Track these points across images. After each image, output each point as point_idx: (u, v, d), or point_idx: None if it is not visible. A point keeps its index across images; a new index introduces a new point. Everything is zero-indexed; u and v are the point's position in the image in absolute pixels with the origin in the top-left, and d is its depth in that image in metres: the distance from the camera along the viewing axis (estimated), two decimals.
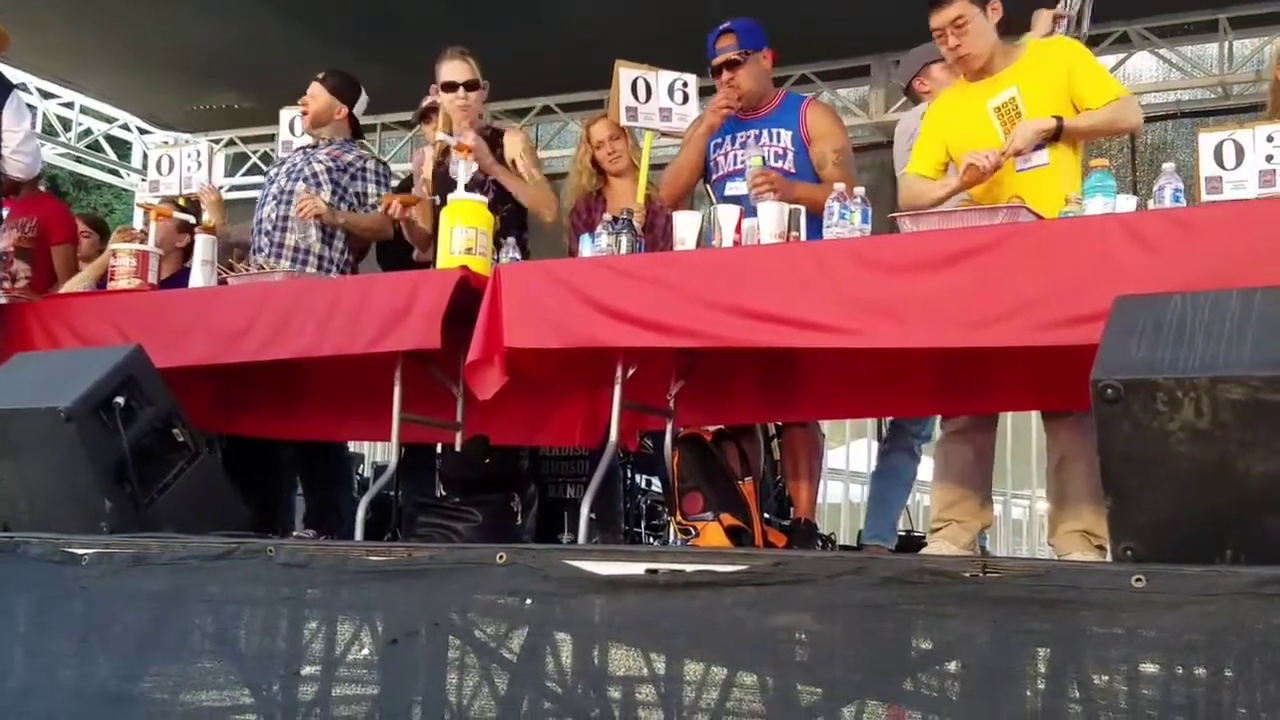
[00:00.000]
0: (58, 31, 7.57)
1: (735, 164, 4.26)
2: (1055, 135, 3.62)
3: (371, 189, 4.84)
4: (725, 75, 4.25)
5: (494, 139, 4.69)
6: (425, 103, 5.20)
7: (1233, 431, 2.37)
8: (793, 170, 4.20)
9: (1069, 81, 3.67)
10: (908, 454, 4.50)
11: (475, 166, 4.29)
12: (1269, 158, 3.09)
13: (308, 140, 5.00)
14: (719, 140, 4.33)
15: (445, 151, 4.63)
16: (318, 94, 4.90)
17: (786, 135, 4.25)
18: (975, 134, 3.75)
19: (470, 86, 4.61)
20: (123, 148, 9.69)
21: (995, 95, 3.75)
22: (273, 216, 4.77)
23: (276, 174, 4.93)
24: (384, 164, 5.04)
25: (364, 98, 5.01)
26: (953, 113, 3.88)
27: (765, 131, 4.27)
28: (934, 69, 4.59)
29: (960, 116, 3.84)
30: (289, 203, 4.73)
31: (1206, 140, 3.18)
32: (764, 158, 4.10)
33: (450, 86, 4.60)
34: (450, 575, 2.89)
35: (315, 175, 4.77)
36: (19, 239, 5.11)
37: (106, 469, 3.60)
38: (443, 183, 4.52)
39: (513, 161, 4.57)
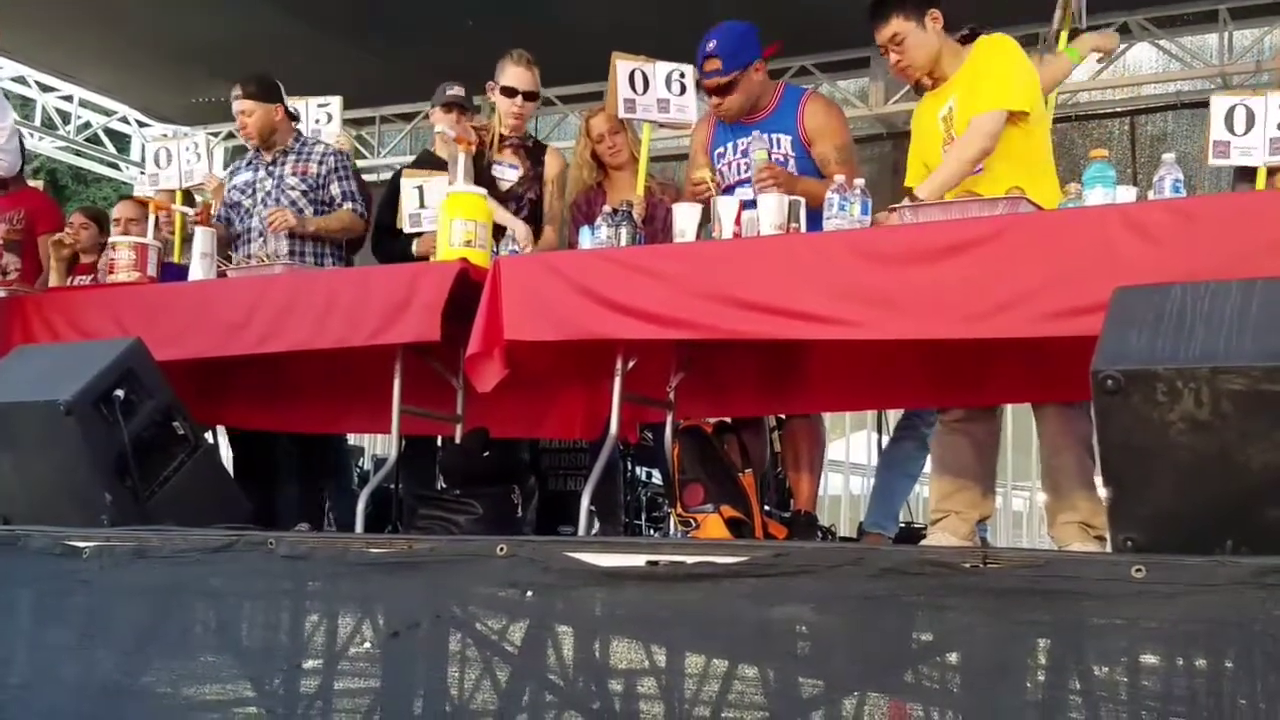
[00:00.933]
0: (57, 25, 7.56)
1: (740, 173, 4.21)
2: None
3: (335, 190, 4.83)
4: (713, 100, 4.19)
5: (536, 151, 4.73)
6: (449, 94, 5.04)
7: (1233, 422, 2.37)
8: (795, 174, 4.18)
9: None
10: (918, 444, 4.44)
11: (520, 173, 4.43)
12: None
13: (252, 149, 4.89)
14: (721, 150, 4.29)
15: (491, 144, 4.64)
16: (250, 108, 4.79)
17: (786, 140, 4.20)
18: (934, 145, 3.77)
19: (530, 97, 4.66)
20: (121, 141, 9.68)
21: (942, 104, 3.76)
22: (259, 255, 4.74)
23: (253, 205, 4.83)
24: (342, 154, 4.97)
25: (279, 85, 4.91)
26: (921, 124, 3.90)
27: (765, 136, 4.21)
28: None
29: (925, 127, 3.86)
30: None
31: (1219, 104, 3.14)
32: (769, 153, 4.07)
33: (510, 92, 4.62)
34: (451, 567, 2.89)
35: (295, 203, 4.76)
36: (8, 232, 5.12)
37: (107, 462, 3.60)
38: (482, 180, 4.45)
39: (550, 180, 4.65)
